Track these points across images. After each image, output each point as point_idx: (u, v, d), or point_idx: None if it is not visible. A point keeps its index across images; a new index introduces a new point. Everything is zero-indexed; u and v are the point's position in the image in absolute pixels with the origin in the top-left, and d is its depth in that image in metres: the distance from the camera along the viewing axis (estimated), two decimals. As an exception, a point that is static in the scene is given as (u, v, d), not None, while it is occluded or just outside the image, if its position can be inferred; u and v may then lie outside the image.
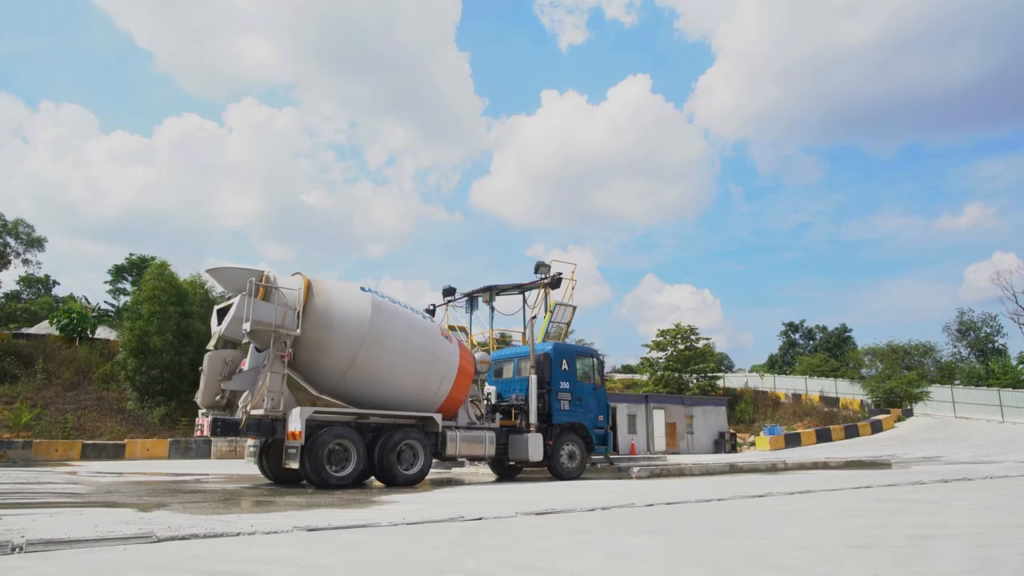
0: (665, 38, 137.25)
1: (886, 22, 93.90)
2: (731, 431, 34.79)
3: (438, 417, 12.30)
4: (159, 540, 4.86)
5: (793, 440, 33.02)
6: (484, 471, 15.78)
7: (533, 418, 13.56)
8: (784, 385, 46.31)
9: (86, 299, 44.50)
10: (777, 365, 68.96)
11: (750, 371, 60.55)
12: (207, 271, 12.19)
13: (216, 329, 11.11)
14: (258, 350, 11.22)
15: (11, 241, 43.63)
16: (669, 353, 42.37)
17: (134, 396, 26.43)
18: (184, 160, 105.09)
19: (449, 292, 20.60)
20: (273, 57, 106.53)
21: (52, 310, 36.87)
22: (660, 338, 43.04)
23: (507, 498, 9.18)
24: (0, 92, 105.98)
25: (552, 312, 18.49)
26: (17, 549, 4.38)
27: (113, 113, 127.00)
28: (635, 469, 14.15)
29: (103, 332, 34.32)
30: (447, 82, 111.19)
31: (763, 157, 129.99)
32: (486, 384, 14.50)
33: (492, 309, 20.41)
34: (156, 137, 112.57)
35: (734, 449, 33.19)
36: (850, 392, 42.33)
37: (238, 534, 5.26)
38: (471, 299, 20.63)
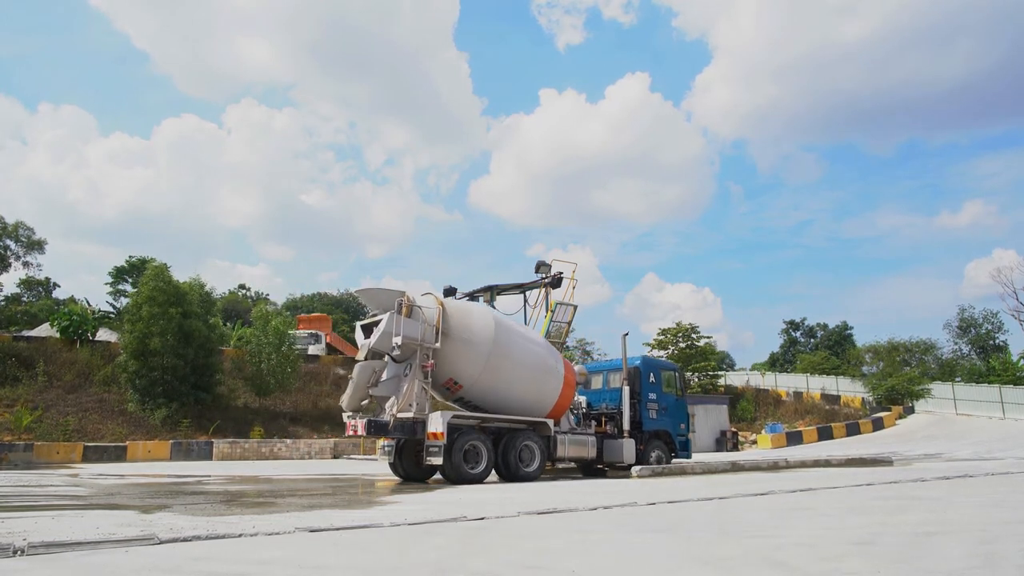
0: (663, 37, 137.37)
1: (884, 20, 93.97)
2: (732, 429, 34.77)
3: (550, 422, 13.43)
4: (161, 542, 4.86)
5: (794, 438, 33.01)
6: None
7: (626, 425, 14.81)
8: (785, 383, 46.25)
9: (87, 301, 44.51)
10: (778, 363, 68.92)
11: (751, 369, 60.55)
12: (355, 292, 13.39)
13: (364, 342, 12.24)
14: (396, 361, 12.32)
15: (11, 244, 43.62)
16: (670, 352, 42.33)
17: (135, 398, 26.37)
18: (183, 161, 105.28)
19: (450, 292, 20.51)
20: (272, 58, 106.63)
21: (52, 312, 36.81)
22: (661, 337, 43.02)
23: (509, 498, 9.17)
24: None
25: (553, 312, 18.43)
26: (19, 552, 4.38)
27: (112, 114, 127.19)
28: (637, 468, 14.17)
29: (104, 334, 34.25)
30: (446, 82, 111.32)
31: (762, 155, 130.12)
32: (576, 394, 15.25)
33: (493, 309, 20.36)
34: (155, 138, 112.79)
35: (736, 447, 33.18)
36: (851, 390, 42.27)
37: (240, 535, 5.25)
38: (472, 299, 20.57)
